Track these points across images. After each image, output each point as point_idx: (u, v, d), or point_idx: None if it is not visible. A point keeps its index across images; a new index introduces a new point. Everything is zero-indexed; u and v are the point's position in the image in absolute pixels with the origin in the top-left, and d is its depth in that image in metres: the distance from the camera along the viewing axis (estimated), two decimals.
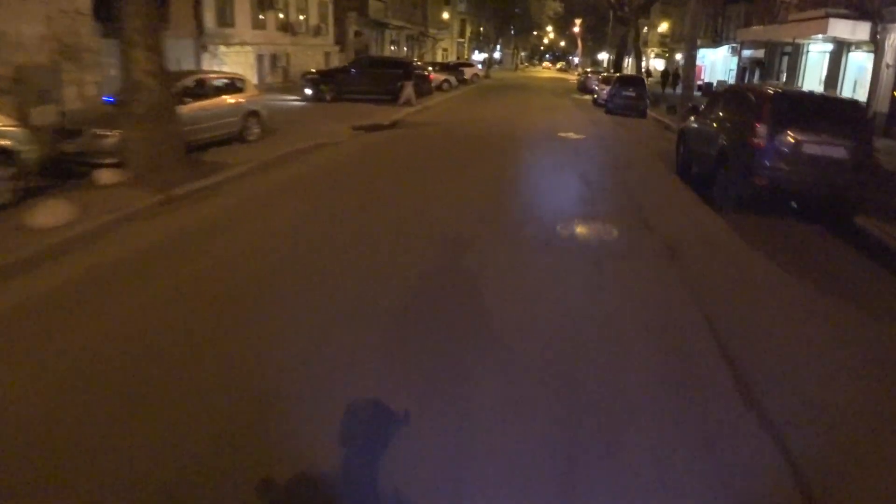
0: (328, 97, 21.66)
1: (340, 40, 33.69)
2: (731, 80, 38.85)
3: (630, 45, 45.87)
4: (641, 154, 14.99)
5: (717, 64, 42.33)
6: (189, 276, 5.51)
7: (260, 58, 24.94)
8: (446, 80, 31.45)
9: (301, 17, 28.39)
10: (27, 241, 5.78)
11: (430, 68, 30.75)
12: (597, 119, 23.00)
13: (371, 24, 37.70)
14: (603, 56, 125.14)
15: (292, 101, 21.26)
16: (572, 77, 74.04)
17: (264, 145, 11.97)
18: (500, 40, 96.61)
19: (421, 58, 52.64)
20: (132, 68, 8.43)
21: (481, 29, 76.48)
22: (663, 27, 59.59)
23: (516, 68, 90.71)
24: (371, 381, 3.94)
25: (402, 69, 22.46)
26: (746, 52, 36.90)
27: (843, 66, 23.56)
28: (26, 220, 6.22)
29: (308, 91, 21.85)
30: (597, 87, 29.74)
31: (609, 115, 24.21)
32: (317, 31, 30.32)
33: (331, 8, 32.18)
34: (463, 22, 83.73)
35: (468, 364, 4.22)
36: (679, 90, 24.52)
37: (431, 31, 55.22)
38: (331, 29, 32.50)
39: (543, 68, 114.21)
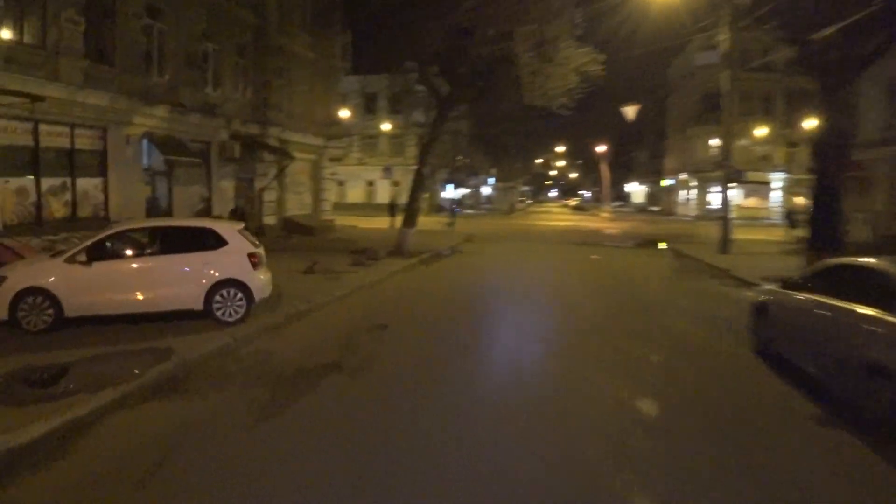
0: None
1: None
2: None
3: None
4: None
5: None
6: None
7: None
8: None
9: None
10: None
11: None
12: None
13: None
14: (632, 187, 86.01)
15: None
16: (606, 223, 39.66)
17: None
18: (493, 170, 65.92)
19: (257, 195, 20.71)
20: None
21: (461, 157, 44.88)
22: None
23: (511, 210, 56.78)
24: None
25: None
26: None
27: None
28: None
29: None
30: None
31: None
32: None
33: None
34: (420, 139, 53.25)
35: None
36: None
37: (299, 139, 23.47)
38: None
39: (557, 209, 74.36)
